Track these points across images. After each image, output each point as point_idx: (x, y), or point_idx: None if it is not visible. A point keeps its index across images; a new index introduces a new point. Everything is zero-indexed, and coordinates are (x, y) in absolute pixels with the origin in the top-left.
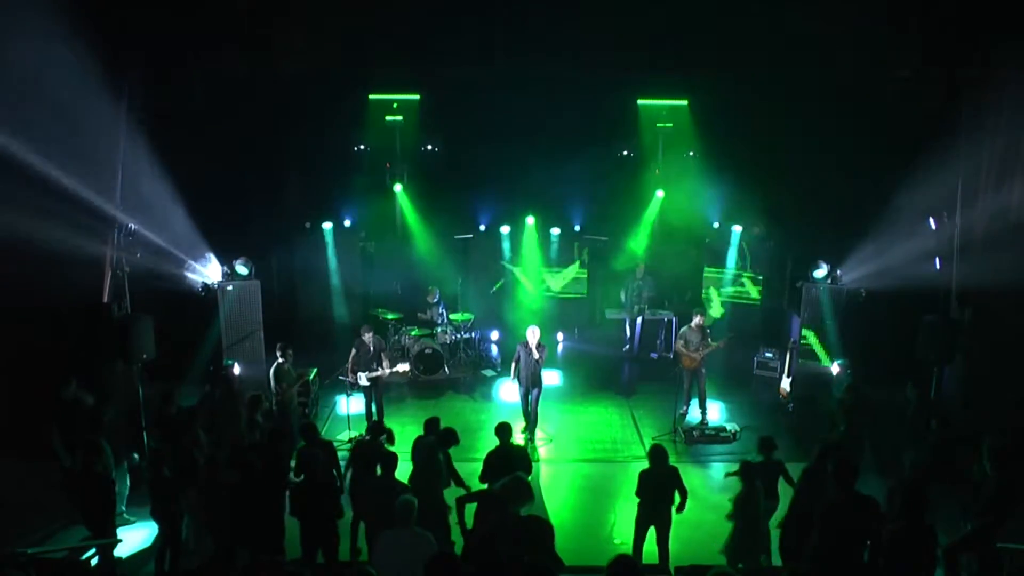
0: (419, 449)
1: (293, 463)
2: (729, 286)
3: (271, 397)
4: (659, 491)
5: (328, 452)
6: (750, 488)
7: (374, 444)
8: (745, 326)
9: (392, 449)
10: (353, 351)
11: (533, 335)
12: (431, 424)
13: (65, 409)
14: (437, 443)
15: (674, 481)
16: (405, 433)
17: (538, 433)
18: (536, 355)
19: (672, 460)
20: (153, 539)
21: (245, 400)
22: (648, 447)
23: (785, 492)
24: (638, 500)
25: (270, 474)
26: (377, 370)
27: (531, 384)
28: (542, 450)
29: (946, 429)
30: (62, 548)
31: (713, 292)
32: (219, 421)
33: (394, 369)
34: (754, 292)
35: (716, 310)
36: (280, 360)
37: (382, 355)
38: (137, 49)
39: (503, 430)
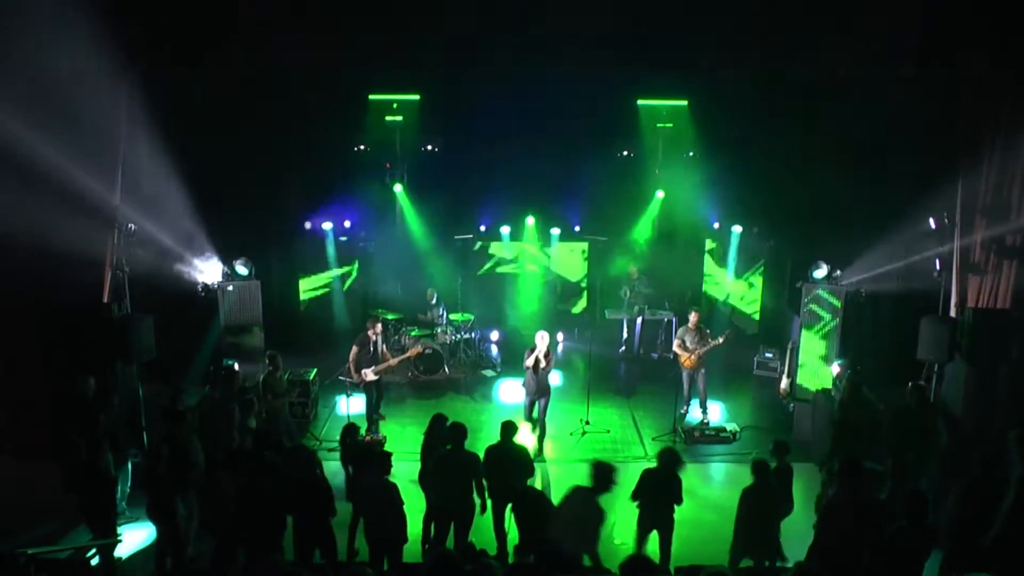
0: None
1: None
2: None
3: (261, 407)
4: (659, 494)
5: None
6: (762, 484)
7: (362, 443)
8: (745, 326)
9: (386, 448)
10: (356, 348)
11: (543, 341)
12: (440, 426)
13: (87, 408)
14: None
15: (675, 488)
16: (405, 433)
17: (549, 429)
18: (543, 363)
19: None
20: (153, 538)
21: (240, 402)
22: (656, 448)
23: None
24: (637, 503)
25: (264, 476)
26: (382, 363)
27: (538, 394)
28: (545, 451)
29: (955, 430)
30: (65, 548)
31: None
32: (216, 422)
33: (404, 356)
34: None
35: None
36: (269, 369)
37: (383, 347)
38: (138, 48)
39: (507, 428)
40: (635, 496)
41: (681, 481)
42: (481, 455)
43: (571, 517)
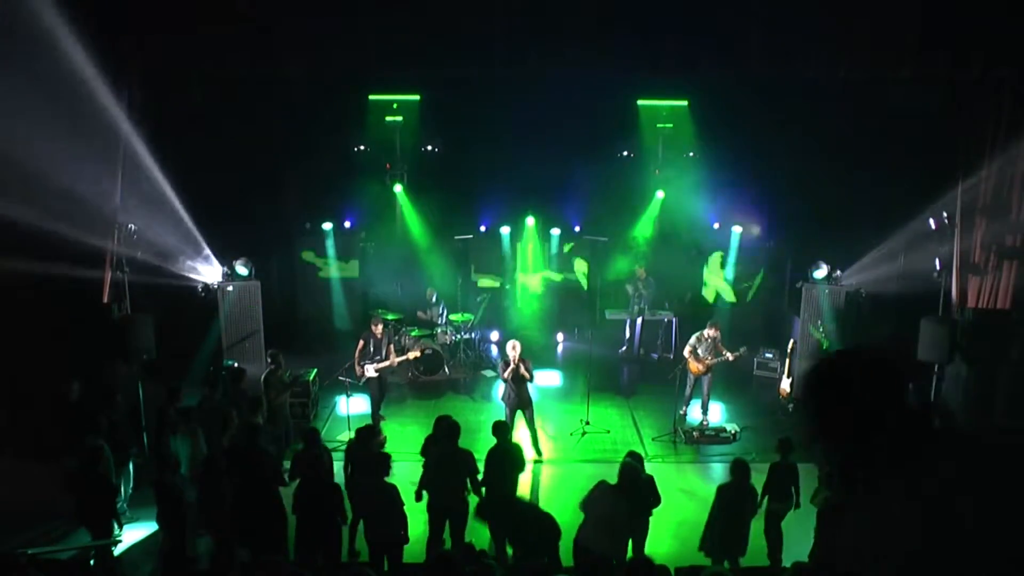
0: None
1: (287, 464)
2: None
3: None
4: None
5: (329, 456)
6: (738, 483)
7: (368, 448)
8: (745, 327)
9: (386, 450)
10: (360, 343)
11: (514, 350)
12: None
13: (71, 411)
14: (449, 445)
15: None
16: (405, 433)
17: (545, 432)
18: (526, 375)
19: (672, 460)
20: (151, 537)
21: (246, 401)
22: (656, 448)
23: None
24: None
25: (264, 474)
26: (384, 361)
27: (519, 405)
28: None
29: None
30: (65, 548)
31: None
32: (215, 422)
33: (403, 357)
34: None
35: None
36: (272, 367)
37: (389, 347)
38: (138, 49)
39: (501, 428)
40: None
41: (653, 480)
42: (481, 455)
43: (600, 516)
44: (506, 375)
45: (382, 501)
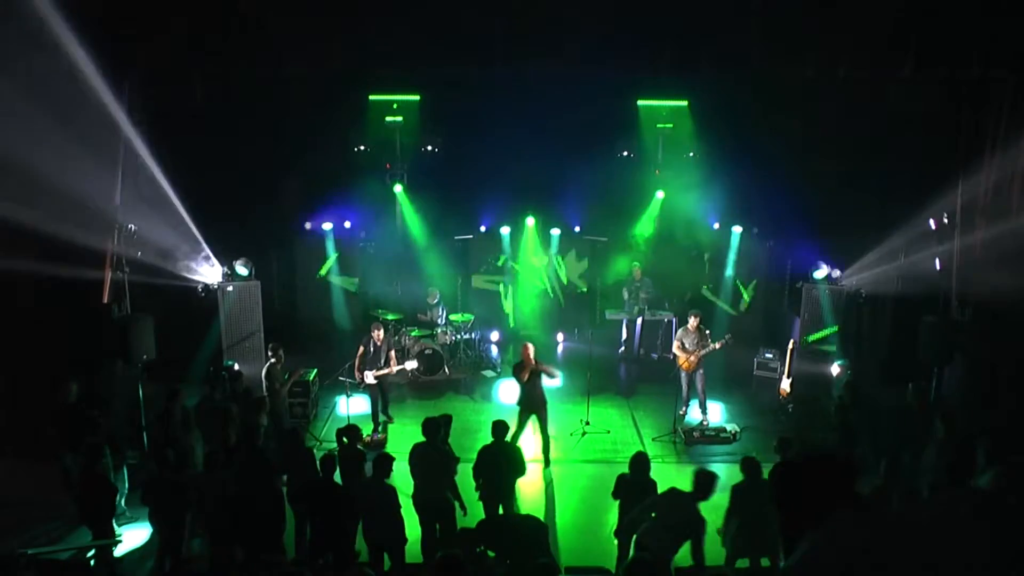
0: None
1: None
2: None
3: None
4: (636, 499)
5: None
6: (752, 482)
7: (353, 448)
8: (745, 327)
9: (388, 450)
10: (361, 348)
11: (529, 352)
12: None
13: (68, 413)
14: (432, 442)
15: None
16: (405, 433)
17: (553, 433)
18: (545, 370)
19: (672, 461)
20: (151, 538)
21: (249, 401)
22: (656, 448)
23: None
24: (618, 505)
25: (262, 473)
26: (383, 368)
27: (534, 408)
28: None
29: (951, 428)
30: (65, 548)
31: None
32: (215, 422)
33: (401, 367)
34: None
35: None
36: (272, 360)
37: (390, 353)
38: (137, 49)
39: (499, 428)
40: (616, 495)
41: (656, 484)
42: (483, 455)
43: (671, 522)
44: (524, 377)
45: (380, 502)
